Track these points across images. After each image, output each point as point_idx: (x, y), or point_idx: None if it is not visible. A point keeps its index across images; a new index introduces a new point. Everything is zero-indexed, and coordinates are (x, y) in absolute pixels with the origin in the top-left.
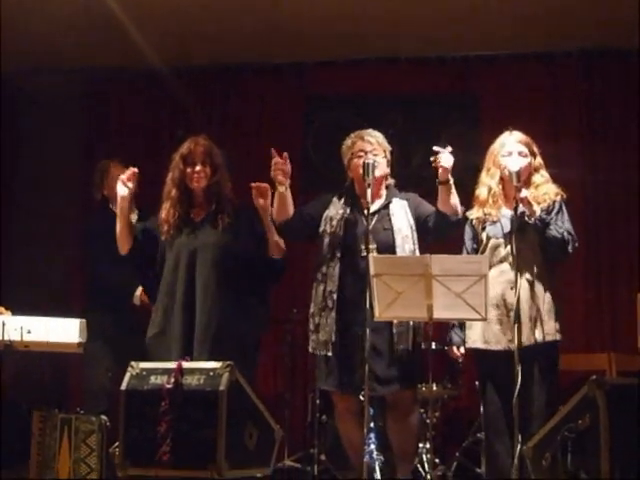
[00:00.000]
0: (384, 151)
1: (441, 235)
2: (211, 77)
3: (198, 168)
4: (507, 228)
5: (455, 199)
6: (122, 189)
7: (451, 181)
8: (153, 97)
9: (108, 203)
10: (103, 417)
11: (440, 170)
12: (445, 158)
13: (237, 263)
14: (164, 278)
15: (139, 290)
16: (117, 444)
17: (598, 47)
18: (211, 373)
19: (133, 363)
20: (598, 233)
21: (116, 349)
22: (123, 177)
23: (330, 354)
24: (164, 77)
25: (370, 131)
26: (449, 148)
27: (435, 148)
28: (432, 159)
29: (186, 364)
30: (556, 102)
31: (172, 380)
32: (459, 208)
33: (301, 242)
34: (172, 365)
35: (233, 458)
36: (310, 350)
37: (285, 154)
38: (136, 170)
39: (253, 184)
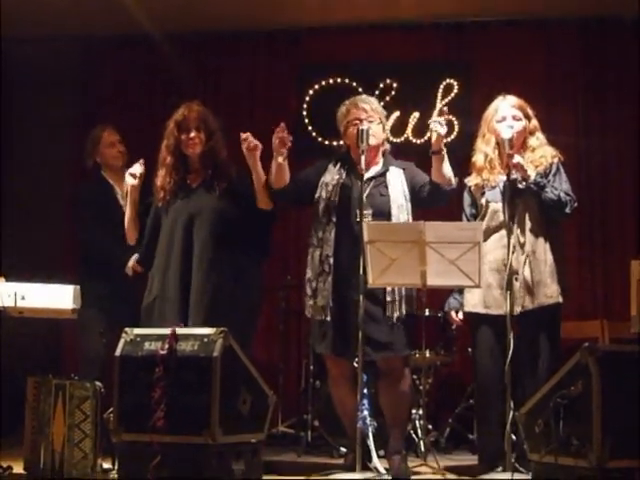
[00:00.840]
0: (379, 117)
1: (434, 205)
2: (205, 44)
3: (193, 134)
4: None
5: (448, 169)
6: (131, 179)
7: (444, 151)
8: (146, 64)
9: (100, 170)
10: (97, 383)
11: (433, 139)
12: (438, 126)
13: (234, 228)
14: (160, 244)
15: (132, 260)
16: (111, 410)
17: (593, 14)
18: (205, 339)
19: (127, 329)
20: (591, 200)
21: (110, 316)
22: (132, 171)
23: (328, 319)
24: (158, 44)
25: (364, 97)
26: (445, 116)
27: (433, 118)
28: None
29: (180, 330)
30: (550, 69)
31: (166, 346)
32: (453, 178)
33: (295, 207)
34: (166, 331)
35: (227, 424)
36: (307, 315)
37: (283, 125)
38: (142, 162)
39: (243, 135)
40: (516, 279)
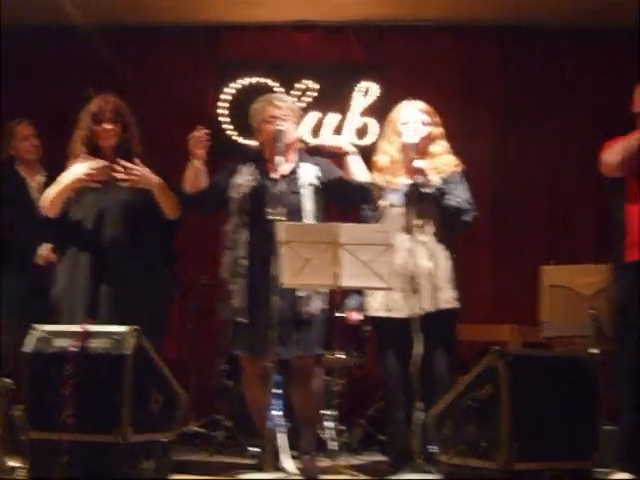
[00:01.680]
0: (294, 116)
1: (348, 203)
2: (123, 38)
3: (108, 126)
4: (406, 198)
5: (362, 168)
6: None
7: (354, 152)
8: (63, 56)
9: (14, 163)
10: (7, 380)
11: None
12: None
13: (146, 222)
14: (75, 239)
15: (43, 249)
16: (20, 407)
17: (510, 21)
18: (117, 337)
19: (37, 325)
20: (505, 205)
21: (19, 311)
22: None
23: (245, 320)
24: (75, 36)
25: (280, 95)
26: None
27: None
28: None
29: (92, 327)
30: (467, 74)
31: (77, 343)
32: (367, 176)
33: (208, 214)
34: (77, 328)
35: (138, 423)
36: (222, 317)
37: (201, 128)
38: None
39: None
40: (416, 283)
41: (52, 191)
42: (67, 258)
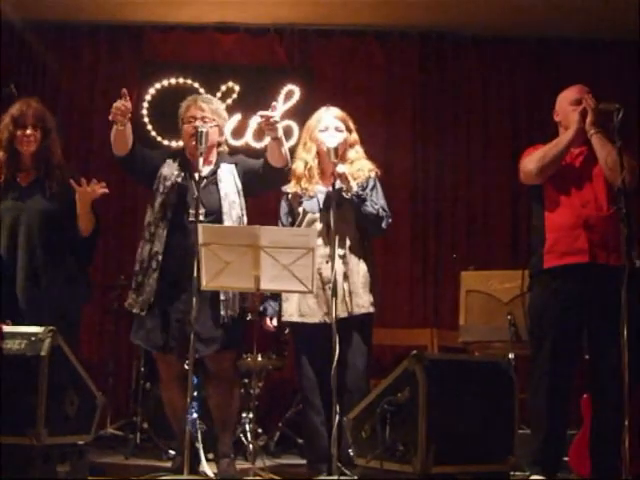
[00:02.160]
0: (216, 119)
1: (270, 186)
2: (45, 35)
3: (29, 131)
4: (322, 204)
5: (285, 149)
6: None
7: (280, 134)
8: None
9: None
10: None
11: (268, 129)
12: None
13: (61, 231)
14: None
15: None
16: None
17: (431, 28)
18: (32, 338)
19: None
20: (425, 211)
21: None
22: None
23: (144, 314)
24: None
25: (205, 97)
26: (277, 108)
27: (261, 113)
28: (260, 119)
29: (7, 328)
30: (390, 80)
31: None
32: (288, 158)
33: (134, 177)
34: None
35: (53, 425)
36: (127, 307)
37: (124, 91)
38: None
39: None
40: (329, 288)
41: None
42: None
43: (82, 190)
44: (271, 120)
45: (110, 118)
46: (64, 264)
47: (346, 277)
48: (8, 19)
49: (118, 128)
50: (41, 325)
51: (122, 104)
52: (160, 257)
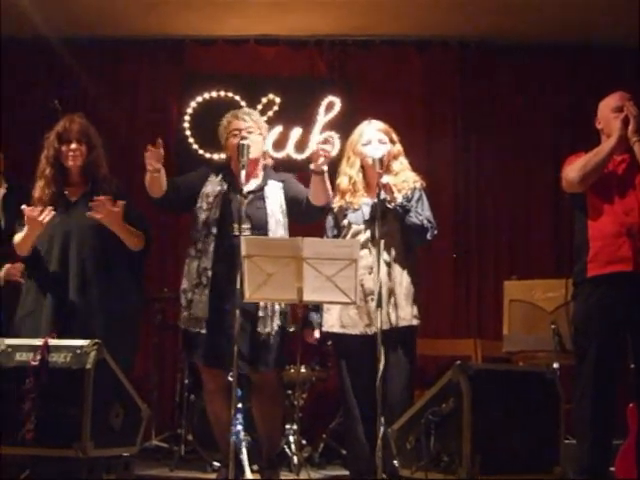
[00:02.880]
0: (259, 129)
1: (308, 221)
2: (89, 50)
3: (74, 146)
4: (367, 215)
5: (328, 188)
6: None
7: (325, 172)
8: (27, 68)
9: None
10: None
11: (320, 160)
12: (330, 148)
13: (112, 246)
14: (42, 260)
15: (3, 271)
16: None
17: (471, 37)
18: (78, 351)
19: None
20: (467, 221)
21: None
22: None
23: (203, 331)
24: (41, 48)
25: (245, 109)
26: (335, 138)
27: (322, 138)
28: (317, 148)
29: (53, 341)
30: (430, 90)
31: (38, 357)
32: (330, 197)
33: (176, 213)
34: (38, 342)
35: (99, 437)
36: (181, 326)
37: (159, 141)
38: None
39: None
40: (372, 299)
41: (18, 239)
42: (32, 281)
43: (105, 214)
44: (328, 152)
45: (148, 168)
46: (115, 277)
47: (389, 289)
48: (49, 35)
49: (153, 175)
50: (91, 338)
51: (155, 152)
52: (210, 272)
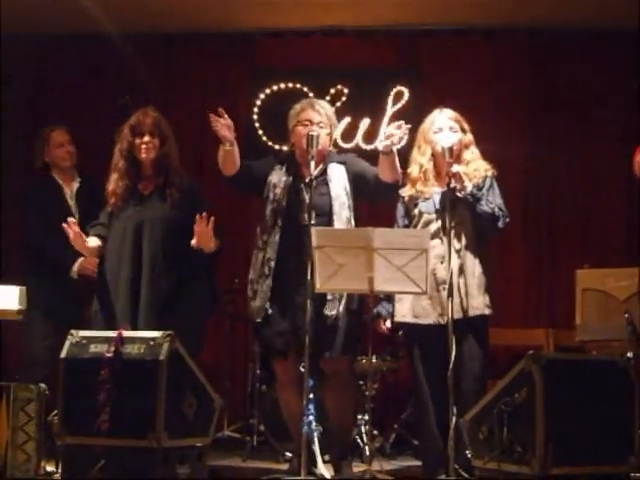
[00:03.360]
0: (330, 125)
1: (379, 199)
2: (157, 45)
3: (146, 139)
4: (438, 204)
5: (397, 168)
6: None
7: (394, 150)
8: (98, 64)
9: (49, 170)
10: (42, 385)
11: (387, 142)
12: (398, 138)
13: (184, 238)
14: (109, 251)
15: (77, 264)
16: (56, 412)
17: (542, 24)
18: (151, 342)
19: (73, 331)
20: (538, 210)
21: (56, 318)
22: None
23: (260, 320)
24: (110, 44)
25: (320, 101)
26: (406, 126)
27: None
28: (386, 133)
29: (126, 333)
30: (500, 78)
31: (112, 349)
32: (399, 175)
33: (246, 193)
34: (112, 334)
35: (172, 428)
36: (247, 316)
37: (221, 109)
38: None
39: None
40: (444, 289)
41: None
42: (104, 274)
43: (201, 231)
44: (396, 137)
45: (219, 135)
46: (186, 271)
47: (461, 278)
48: (118, 32)
49: (226, 148)
50: (161, 330)
51: (223, 121)
52: (272, 263)
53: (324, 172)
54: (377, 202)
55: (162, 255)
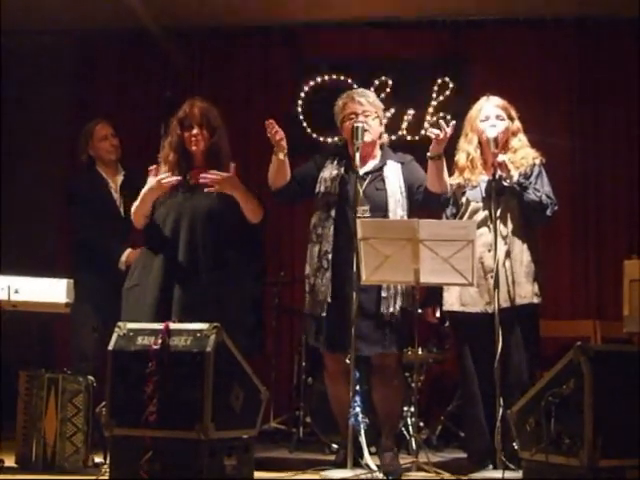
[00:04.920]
0: (376, 111)
1: (428, 209)
2: (200, 39)
3: (195, 131)
4: (485, 193)
5: (446, 176)
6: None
7: (442, 158)
8: (142, 59)
9: (94, 164)
10: (90, 377)
11: (435, 143)
12: (445, 135)
13: (235, 227)
14: (155, 238)
15: (124, 255)
16: (104, 404)
17: (589, 14)
18: (198, 334)
19: (120, 323)
20: (585, 199)
21: (104, 310)
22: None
23: (324, 314)
24: (153, 39)
25: (361, 91)
26: (452, 123)
27: (440, 124)
28: (433, 132)
29: (173, 325)
30: (546, 68)
31: (159, 341)
32: (448, 186)
33: (297, 203)
34: (159, 326)
35: (219, 419)
36: (305, 311)
37: (271, 120)
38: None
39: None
40: (491, 277)
41: (134, 205)
42: (142, 257)
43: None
44: (438, 135)
45: (274, 141)
46: (240, 260)
47: (508, 265)
48: (160, 26)
49: (279, 158)
50: (203, 322)
51: (277, 129)
52: (330, 256)
53: (381, 168)
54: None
55: (217, 245)
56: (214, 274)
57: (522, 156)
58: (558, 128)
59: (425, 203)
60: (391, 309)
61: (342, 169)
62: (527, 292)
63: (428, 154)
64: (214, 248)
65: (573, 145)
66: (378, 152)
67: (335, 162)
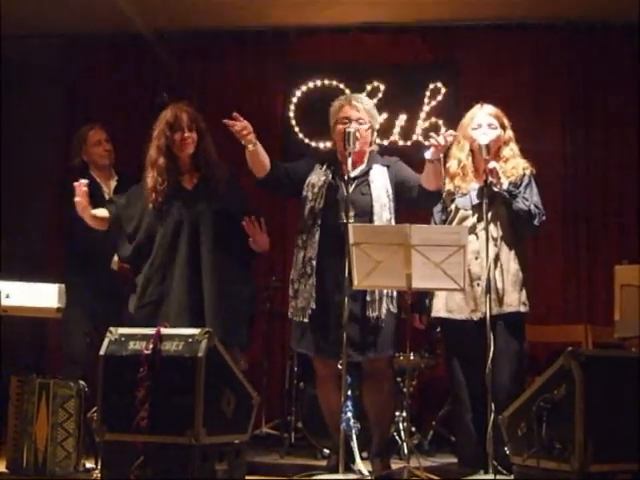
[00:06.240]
0: (370, 120)
1: (421, 207)
2: (192, 43)
3: (186, 134)
4: (475, 200)
5: (442, 176)
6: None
7: (441, 160)
8: (133, 63)
9: (87, 168)
10: (81, 382)
11: (433, 149)
12: (443, 141)
13: (234, 230)
14: (158, 247)
15: (116, 256)
16: (95, 409)
17: (579, 19)
18: (190, 339)
19: (112, 329)
20: (576, 205)
21: (95, 315)
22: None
23: (306, 320)
24: (144, 43)
25: (360, 96)
26: (451, 132)
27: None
28: (434, 140)
29: (165, 330)
30: (537, 73)
31: (151, 346)
32: (443, 184)
33: (280, 196)
34: (151, 331)
35: (211, 424)
36: (289, 316)
37: (235, 114)
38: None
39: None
40: (478, 285)
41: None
42: (153, 270)
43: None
44: (437, 143)
45: (239, 138)
46: (239, 264)
47: (496, 274)
48: (152, 29)
49: (250, 149)
50: (202, 327)
51: (239, 123)
52: (314, 262)
53: (367, 172)
54: (418, 209)
55: (218, 249)
56: (233, 276)
57: (513, 166)
58: (549, 133)
59: (420, 200)
60: (376, 312)
61: (330, 175)
62: (513, 300)
63: (427, 157)
64: (229, 249)
65: (564, 150)
66: (365, 158)
67: (324, 168)
